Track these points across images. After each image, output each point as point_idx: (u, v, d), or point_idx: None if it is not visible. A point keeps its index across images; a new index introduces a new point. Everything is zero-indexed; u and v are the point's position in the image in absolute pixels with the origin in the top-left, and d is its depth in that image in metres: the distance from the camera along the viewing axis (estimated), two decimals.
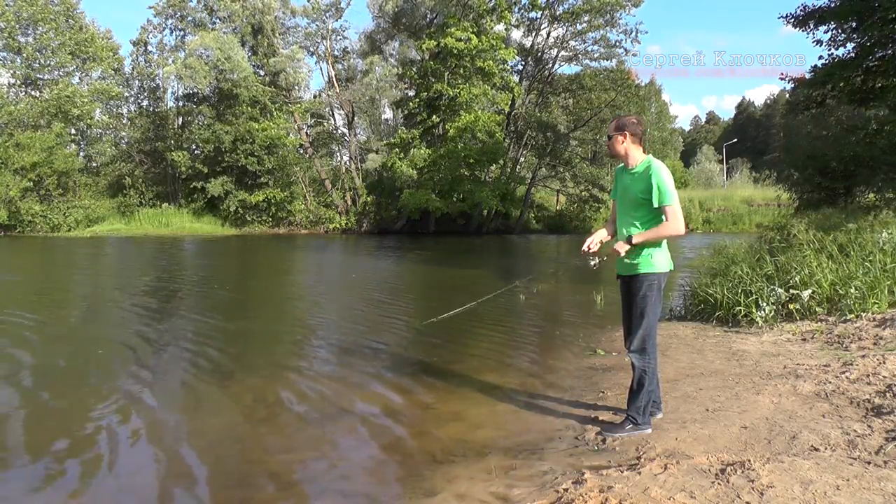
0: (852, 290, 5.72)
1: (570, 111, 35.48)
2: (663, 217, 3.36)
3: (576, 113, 34.99)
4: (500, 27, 31.15)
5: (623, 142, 3.48)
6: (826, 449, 2.90)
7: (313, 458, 3.55)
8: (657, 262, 3.43)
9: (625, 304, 3.62)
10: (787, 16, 13.14)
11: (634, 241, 3.39)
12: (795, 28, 13.00)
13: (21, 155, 27.56)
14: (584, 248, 3.59)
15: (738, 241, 10.42)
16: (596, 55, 32.71)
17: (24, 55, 31.05)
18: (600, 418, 3.80)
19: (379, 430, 3.97)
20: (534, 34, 33.27)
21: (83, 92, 31.37)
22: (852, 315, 5.51)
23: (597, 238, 3.64)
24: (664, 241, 3.46)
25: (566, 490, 2.69)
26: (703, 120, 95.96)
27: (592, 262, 3.64)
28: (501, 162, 31.88)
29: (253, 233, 30.88)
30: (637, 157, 3.49)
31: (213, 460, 3.54)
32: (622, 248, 3.44)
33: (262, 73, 32.81)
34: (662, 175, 3.34)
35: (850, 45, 12.52)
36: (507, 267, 16.01)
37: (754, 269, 6.76)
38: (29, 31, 31.34)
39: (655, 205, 3.34)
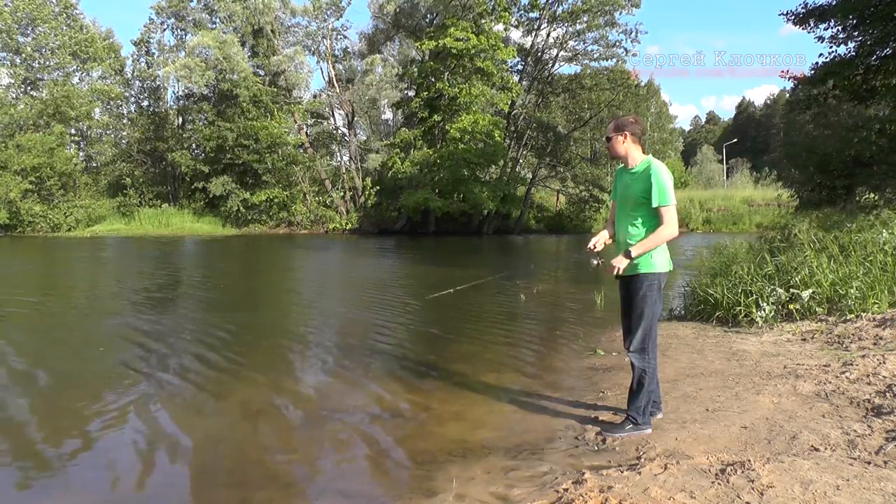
0: (852, 290, 5.72)
1: (570, 111, 35.49)
2: (660, 219, 3.36)
3: (576, 113, 35.00)
4: (499, 27, 31.16)
5: (623, 142, 3.48)
6: (826, 449, 2.90)
7: (313, 458, 3.55)
8: (656, 261, 3.43)
9: (624, 303, 3.62)
10: (787, 13, 13.15)
11: (633, 254, 3.37)
12: (796, 26, 13.00)
13: (22, 156, 27.57)
14: (590, 245, 3.60)
15: (738, 241, 10.42)
16: (595, 55, 32.75)
17: (23, 56, 31.05)
18: (600, 418, 3.80)
19: (379, 430, 3.97)
20: (533, 34, 33.29)
21: (81, 92, 31.37)
22: (852, 315, 5.51)
23: (601, 239, 3.64)
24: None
25: (566, 490, 2.69)
26: (703, 120, 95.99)
27: (594, 262, 3.66)
28: (501, 162, 31.89)
29: (253, 233, 30.89)
30: (637, 157, 3.49)
31: (213, 460, 3.54)
32: (621, 262, 3.40)
33: (262, 73, 32.81)
34: (662, 175, 3.34)
35: (850, 44, 12.52)
36: (507, 266, 16.00)
37: (754, 268, 6.75)
38: (28, 32, 31.34)
39: (654, 205, 3.34)
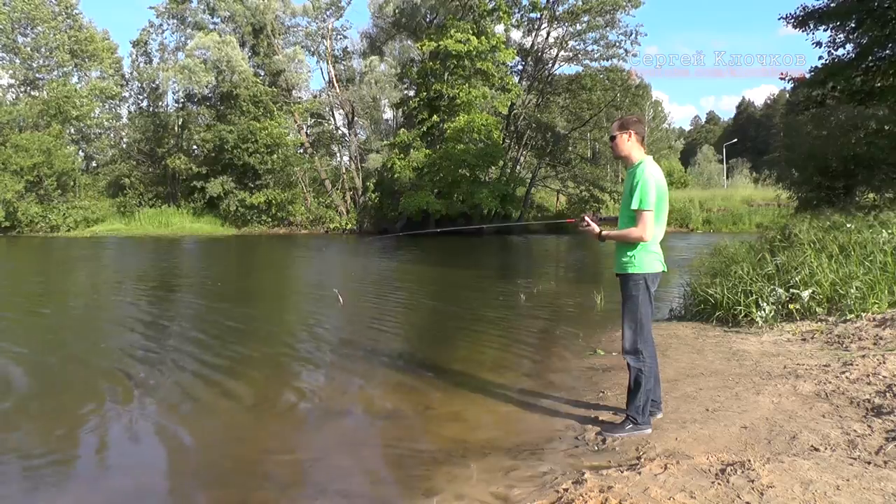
0: (852, 290, 5.71)
1: (570, 111, 35.47)
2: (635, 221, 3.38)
3: (576, 113, 34.98)
4: (500, 28, 31.16)
5: (627, 140, 3.48)
6: (826, 449, 2.90)
7: (313, 458, 3.55)
8: (642, 262, 3.43)
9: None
10: (786, 16, 13.15)
11: (603, 234, 3.54)
12: (795, 29, 13.00)
13: (20, 156, 27.56)
14: (588, 214, 3.73)
15: (738, 241, 10.40)
16: (596, 55, 32.74)
17: (23, 56, 31.03)
18: (600, 418, 3.80)
19: (379, 430, 3.97)
20: (534, 34, 33.30)
21: (82, 92, 31.37)
22: (852, 315, 5.51)
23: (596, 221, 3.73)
24: (651, 242, 3.45)
25: (566, 490, 2.69)
26: (703, 120, 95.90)
27: (583, 225, 3.75)
28: (501, 163, 31.88)
29: (253, 233, 30.89)
30: (636, 157, 3.49)
31: (213, 460, 3.54)
32: (592, 231, 3.58)
33: (262, 73, 32.80)
34: (646, 178, 3.34)
35: (849, 46, 12.53)
36: (507, 266, 16.00)
37: (754, 268, 6.75)
38: (28, 32, 31.34)
39: (633, 207, 3.35)
